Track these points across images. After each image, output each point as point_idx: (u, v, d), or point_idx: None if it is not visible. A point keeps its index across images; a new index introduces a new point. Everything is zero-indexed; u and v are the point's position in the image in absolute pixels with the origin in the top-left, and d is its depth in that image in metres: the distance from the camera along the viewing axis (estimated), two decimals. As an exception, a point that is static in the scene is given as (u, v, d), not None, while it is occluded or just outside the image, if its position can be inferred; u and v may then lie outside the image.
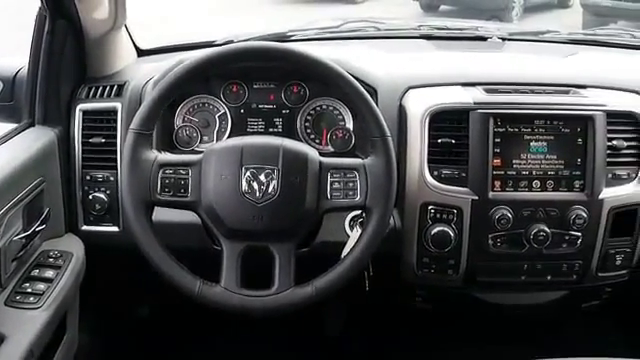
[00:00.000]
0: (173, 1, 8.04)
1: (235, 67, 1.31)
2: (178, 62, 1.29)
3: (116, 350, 1.84)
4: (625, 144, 1.41)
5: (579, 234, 1.40)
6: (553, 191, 1.39)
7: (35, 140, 1.38)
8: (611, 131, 1.40)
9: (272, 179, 1.17)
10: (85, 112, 1.46)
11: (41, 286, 1.26)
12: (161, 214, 1.33)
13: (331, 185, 1.19)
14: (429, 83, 1.46)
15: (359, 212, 1.34)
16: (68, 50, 1.44)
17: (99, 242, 1.46)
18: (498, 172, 1.38)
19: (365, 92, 1.22)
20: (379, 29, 1.88)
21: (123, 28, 1.56)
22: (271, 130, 1.51)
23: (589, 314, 1.67)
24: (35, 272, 1.30)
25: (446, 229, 1.38)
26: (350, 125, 1.50)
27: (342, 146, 1.49)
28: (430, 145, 1.38)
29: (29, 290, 1.24)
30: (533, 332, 1.82)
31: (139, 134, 1.17)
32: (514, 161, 1.38)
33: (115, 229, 1.46)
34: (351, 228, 1.38)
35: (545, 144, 1.39)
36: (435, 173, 1.38)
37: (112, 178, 1.44)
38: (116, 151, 1.44)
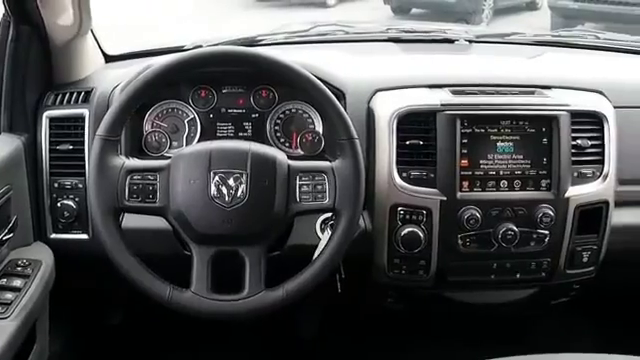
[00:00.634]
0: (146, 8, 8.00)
1: (203, 72, 1.31)
2: (146, 67, 1.28)
3: (88, 359, 1.82)
4: (589, 143, 1.44)
5: (546, 232, 1.42)
6: (520, 190, 1.41)
7: (1, 148, 1.36)
8: (575, 130, 1.43)
9: (241, 183, 1.17)
10: (52, 119, 1.45)
11: (9, 295, 1.24)
12: (131, 221, 1.34)
13: (300, 188, 1.20)
14: (396, 85, 1.47)
15: (330, 215, 1.34)
16: (33, 57, 1.43)
17: (69, 250, 1.45)
18: (466, 172, 1.39)
19: (332, 95, 1.22)
20: (348, 33, 1.89)
21: (89, 34, 1.55)
22: (241, 134, 1.51)
23: (559, 310, 1.70)
24: (3, 281, 1.28)
25: (416, 230, 1.39)
26: (320, 128, 1.51)
27: (312, 149, 1.50)
28: (398, 147, 1.39)
29: (-4, 300, 1.23)
30: (504, 330, 1.84)
31: (106, 140, 1.17)
32: (481, 161, 1.40)
33: (85, 236, 1.44)
34: (322, 231, 1.38)
35: (511, 144, 1.41)
36: (404, 175, 1.39)
37: (80, 185, 1.42)
38: (84, 158, 1.43)
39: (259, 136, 1.50)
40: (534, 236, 1.42)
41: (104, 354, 1.91)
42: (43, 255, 1.40)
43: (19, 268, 1.32)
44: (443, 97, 1.42)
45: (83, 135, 1.44)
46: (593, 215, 1.46)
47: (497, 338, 1.61)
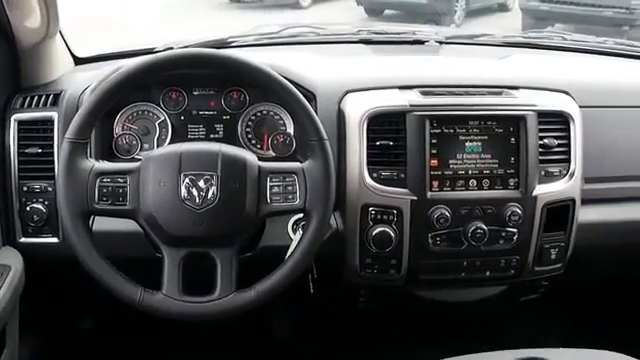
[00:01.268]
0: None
1: (174, 74, 1.31)
2: (115, 70, 1.28)
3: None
4: (556, 142, 1.47)
5: (515, 230, 1.44)
6: (489, 189, 1.43)
7: None
8: (542, 130, 1.45)
9: (211, 185, 1.17)
10: (20, 122, 1.43)
11: (-23, 301, 1.23)
12: (101, 223, 1.33)
13: (270, 189, 1.20)
14: (367, 87, 1.48)
15: (302, 215, 1.35)
16: (0, 59, 1.41)
17: (39, 254, 1.43)
18: (435, 172, 1.41)
19: (301, 96, 1.23)
20: (319, 34, 1.90)
21: (58, 36, 1.54)
22: (212, 136, 1.51)
23: (528, 307, 1.73)
24: (-29, 287, 1.27)
25: (387, 230, 1.41)
26: (291, 130, 1.51)
27: (283, 151, 1.50)
28: (369, 148, 1.40)
29: (-36, 306, 1.21)
30: (475, 327, 1.87)
31: (74, 143, 1.16)
32: (450, 161, 1.42)
33: (55, 240, 1.43)
34: (294, 231, 1.39)
35: (480, 144, 1.43)
36: (374, 175, 1.40)
37: (50, 189, 1.41)
38: (53, 161, 1.41)
39: (230, 138, 1.50)
40: (503, 234, 1.44)
41: (76, 358, 1.89)
42: (12, 260, 1.38)
43: (-13, 273, 1.31)
44: (412, 98, 1.44)
45: (52, 138, 1.42)
46: (560, 213, 1.48)
47: (468, 335, 1.63)
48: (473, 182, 1.43)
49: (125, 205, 1.18)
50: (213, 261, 1.19)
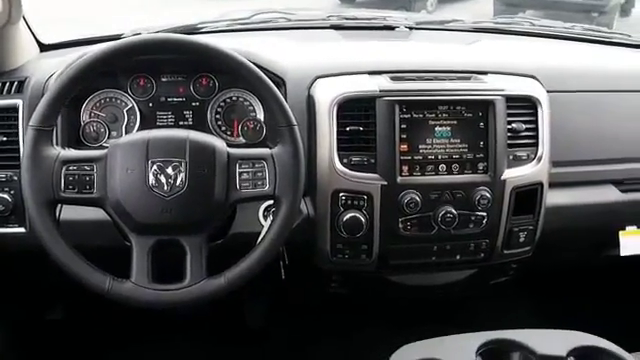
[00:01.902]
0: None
1: (142, 60, 1.29)
2: (81, 56, 1.25)
3: (30, 355, 1.78)
4: (524, 127, 1.48)
5: (484, 214, 1.46)
6: (458, 174, 1.44)
7: None
8: (510, 114, 1.47)
9: (180, 172, 1.16)
10: None
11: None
12: (69, 213, 1.32)
13: (240, 176, 1.20)
14: (336, 72, 1.47)
15: (272, 202, 1.35)
16: None
17: (5, 244, 1.41)
18: (405, 157, 1.42)
19: (270, 82, 1.22)
20: (289, 20, 1.89)
21: (22, 22, 1.50)
22: (181, 123, 1.49)
23: (498, 290, 1.75)
24: None
25: (357, 215, 1.41)
26: (261, 116, 1.50)
27: (254, 137, 1.50)
28: (339, 133, 1.40)
29: None
30: (446, 310, 1.89)
31: (39, 130, 1.14)
32: (420, 146, 1.42)
33: (22, 230, 1.40)
34: (265, 218, 1.39)
35: (449, 129, 1.43)
36: (345, 160, 1.40)
37: (15, 178, 1.38)
38: (18, 149, 1.38)
39: (200, 125, 1.49)
40: (472, 218, 1.46)
41: (46, 349, 1.87)
42: None
43: (-48, 265, 1.29)
44: (382, 83, 1.44)
45: (17, 126, 1.39)
46: (528, 196, 1.50)
47: (439, 318, 1.65)
48: (443, 167, 1.44)
49: (92, 193, 1.16)
50: (183, 248, 1.18)
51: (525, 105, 1.50)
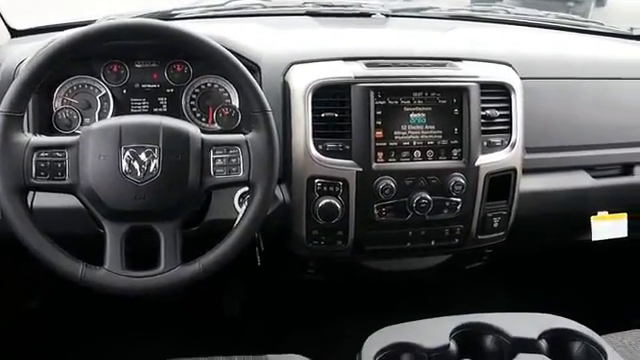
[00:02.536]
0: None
1: (115, 46, 1.28)
2: (52, 41, 1.24)
3: (6, 344, 1.77)
4: (498, 113, 1.49)
5: (459, 200, 1.47)
6: (433, 160, 1.45)
7: None
8: (484, 101, 1.48)
9: (153, 158, 1.15)
10: None
11: None
12: (42, 200, 1.30)
13: (214, 162, 1.19)
14: (311, 59, 1.47)
15: (247, 188, 1.35)
16: None
17: None
18: (380, 144, 1.42)
19: (243, 67, 1.22)
20: (265, 6, 1.88)
21: (-8, 8, 1.49)
22: (156, 110, 1.48)
23: (473, 275, 1.77)
24: None
25: (333, 201, 1.41)
26: (236, 102, 1.50)
27: (229, 124, 1.49)
28: (314, 120, 1.40)
29: None
30: (422, 295, 1.90)
31: (8, 116, 1.12)
32: (395, 132, 1.43)
33: None
34: (240, 205, 1.38)
35: (424, 115, 1.44)
36: (320, 147, 1.40)
37: None
38: None
39: (175, 111, 1.48)
40: (447, 204, 1.47)
41: (23, 339, 1.85)
42: None
43: None
44: (357, 70, 1.44)
45: None
46: (502, 182, 1.51)
47: (414, 304, 1.66)
48: (417, 153, 1.44)
49: (64, 180, 1.15)
50: (156, 235, 1.17)
51: (499, 92, 1.51)
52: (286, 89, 1.44)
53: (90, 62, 1.46)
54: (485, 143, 1.48)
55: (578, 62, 1.73)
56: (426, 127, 1.44)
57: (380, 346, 1.19)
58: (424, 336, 1.21)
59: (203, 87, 1.50)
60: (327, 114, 1.41)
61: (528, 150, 1.56)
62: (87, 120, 1.46)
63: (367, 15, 1.88)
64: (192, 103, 1.49)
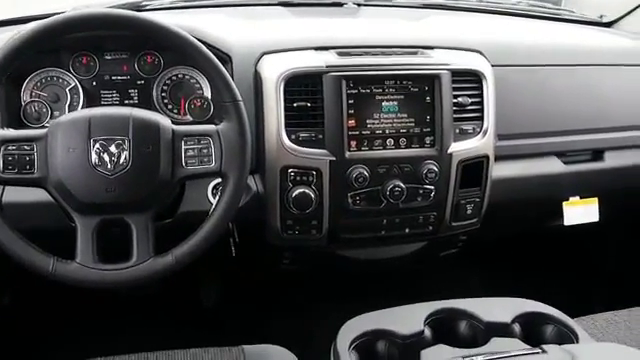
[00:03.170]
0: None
1: (84, 37, 1.26)
2: (17, 33, 1.22)
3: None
4: (469, 100, 1.50)
5: (432, 187, 1.48)
6: (406, 148, 1.46)
7: None
8: (456, 89, 1.48)
9: (123, 150, 1.14)
10: None
11: None
12: (11, 195, 1.29)
13: (185, 153, 1.19)
14: (283, 48, 1.47)
15: (220, 180, 1.34)
16: None
17: None
18: (353, 132, 1.42)
19: (214, 57, 1.21)
20: (237, -4, 1.87)
21: (-45, 0, 1.45)
22: (127, 102, 1.47)
23: (448, 262, 1.78)
24: None
25: (307, 191, 1.41)
26: (208, 93, 1.49)
27: (201, 115, 1.48)
28: (286, 109, 1.40)
29: None
30: (398, 283, 1.92)
31: None
32: (368, 121, 1.43)
33: None
34: (214, 196, 1.38)
35: (396, 103, 1.44)
36: (293, 137, 1.40)
37: None
38: None
39: (146, 103, 1.46)
40: (420, 191, 1.47)
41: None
42: None
43: None
44: (329, 59, 1.43)
45: None
46: (475, 169, 1.52)
47: (390, 291, 1.68)
48: (390, 141, 1.45)
49: (32, 173, 1.14)
50: (128, 227, 1.16)
51: (471, 79, 1.51)
52: (258, 79, 1.43)
53: (59, 54, 1.44)
54: (457, 130, 1.49)
55: (549, 49, 1.74)
56: (398, 115, 1.45)
57: (355, 333, 1.19)
58: (398, 323, 1.22)
59: (174, 78, 1.49)
60: (299, 104, 1.40)
61: (500, 137, 1.57)
62: (56, 113, 1.44)
63: (339, 5, 1.88)
64: (163, 95, 1.48)
